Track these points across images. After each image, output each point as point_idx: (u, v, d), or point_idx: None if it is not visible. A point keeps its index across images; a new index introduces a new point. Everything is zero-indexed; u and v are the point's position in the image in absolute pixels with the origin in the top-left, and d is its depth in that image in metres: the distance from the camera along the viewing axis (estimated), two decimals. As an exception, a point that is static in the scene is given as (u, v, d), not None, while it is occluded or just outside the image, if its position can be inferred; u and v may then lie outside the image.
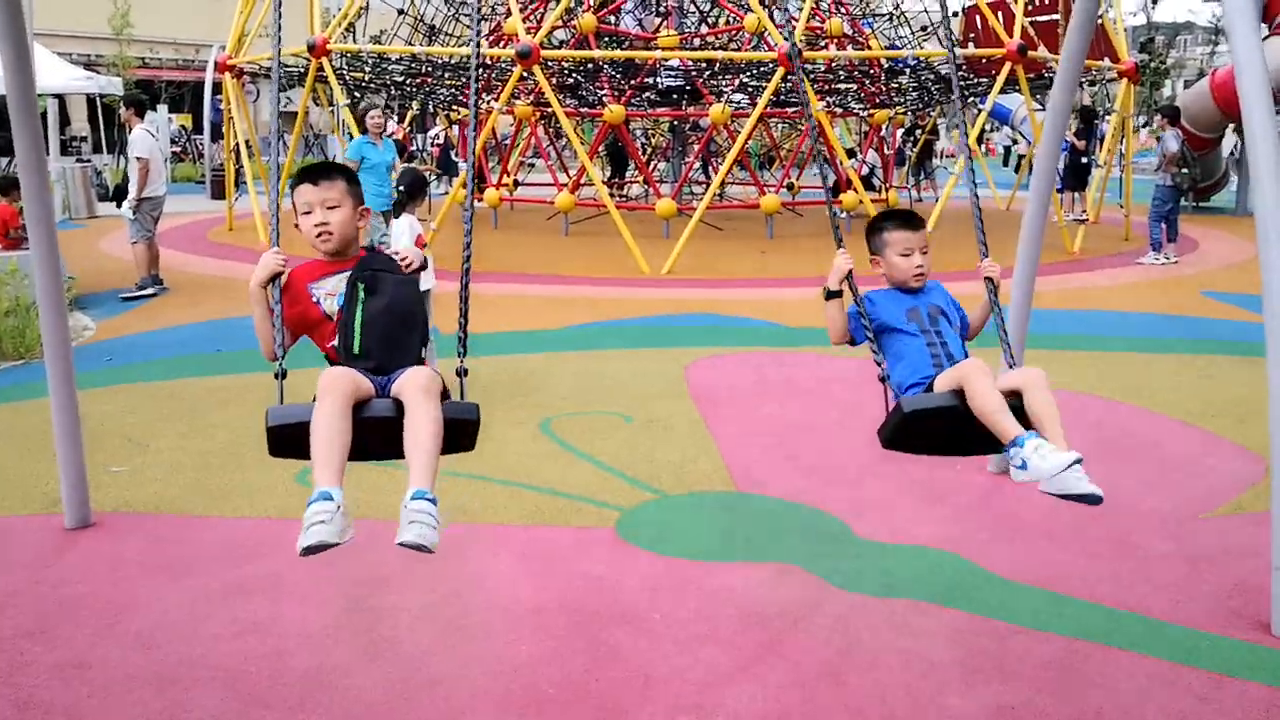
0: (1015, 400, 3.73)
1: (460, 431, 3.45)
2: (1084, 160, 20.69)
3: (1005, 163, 44.91)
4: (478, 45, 4.24)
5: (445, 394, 3.49)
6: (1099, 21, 19.29)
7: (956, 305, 4.17)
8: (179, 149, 38.00)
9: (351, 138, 20.60)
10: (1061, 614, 4.52)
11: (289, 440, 3.39)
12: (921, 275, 4.09)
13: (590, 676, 4.00)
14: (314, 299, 3.63)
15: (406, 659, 4.14)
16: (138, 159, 12.51)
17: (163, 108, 36.60)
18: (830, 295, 4.15)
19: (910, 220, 4.15)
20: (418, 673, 4.03)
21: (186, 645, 4.24)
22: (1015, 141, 44.78)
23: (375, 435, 3.35)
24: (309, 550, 3.13)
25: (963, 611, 4.55)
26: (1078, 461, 3.61)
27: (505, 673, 4.03)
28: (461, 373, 3.69)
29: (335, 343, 3.58)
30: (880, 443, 3.95)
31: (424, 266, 3.83)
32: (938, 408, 3.72)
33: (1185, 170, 16.30)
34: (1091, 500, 3.60)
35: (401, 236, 7.83)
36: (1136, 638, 4.31)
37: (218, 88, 21.12)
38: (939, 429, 3.75)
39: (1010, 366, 4.08)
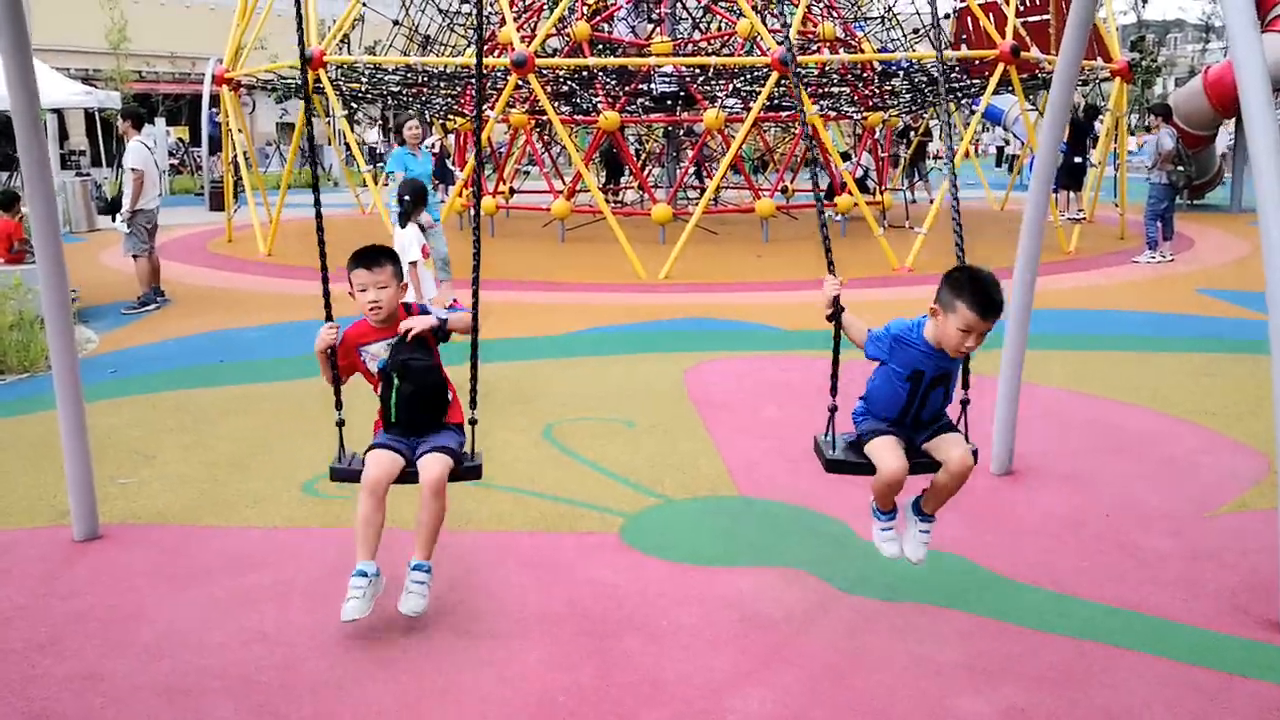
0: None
1: (461, 478, 4.52)
2: (1078, 160, 20.72)
3: (998, 163, 45.00)
4: (480, 57, 4.43)
5: (457, 455, 4.49)
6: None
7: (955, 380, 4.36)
8: (176, 161, 38.04)
9: (348, 148, 20.71)
10: (1067, 614, 4.54)
11: (344, 479, 4.58)
12: (963, 353, 4.16)
13: (599, 682, 4.02)
14: (363, 359, 4.60)
15: (416, 666, 4.17)
16: (132, 170, 12.48)
17: (160, 120, 36.66)
18: (831, 319, 4.41)
19: (990, 307, 4.02)
20: (427, 680, 4.06)
21: (196, 655, 4.26)
22: (1008, 142, 44.91)
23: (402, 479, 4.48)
24: (348, 620, 4.29)
25: (968, 613, 4.57)
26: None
27: (514, 679, 4.06)
28: (473, 422, 4.60)
29: (380, 395, 4.57)
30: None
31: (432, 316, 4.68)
32: (856, 464, 4.49)
33: (1180, 168, 16.33)
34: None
35: (410, 248, 7.88)
36: (1144, 637, 4.33)
37: (215, 100, 21.13)
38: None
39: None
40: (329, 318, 4.55)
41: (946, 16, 24.08)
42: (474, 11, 5.56)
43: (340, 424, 4.61)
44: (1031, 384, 8.09)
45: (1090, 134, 20.73)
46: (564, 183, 22.75)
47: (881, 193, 21.24)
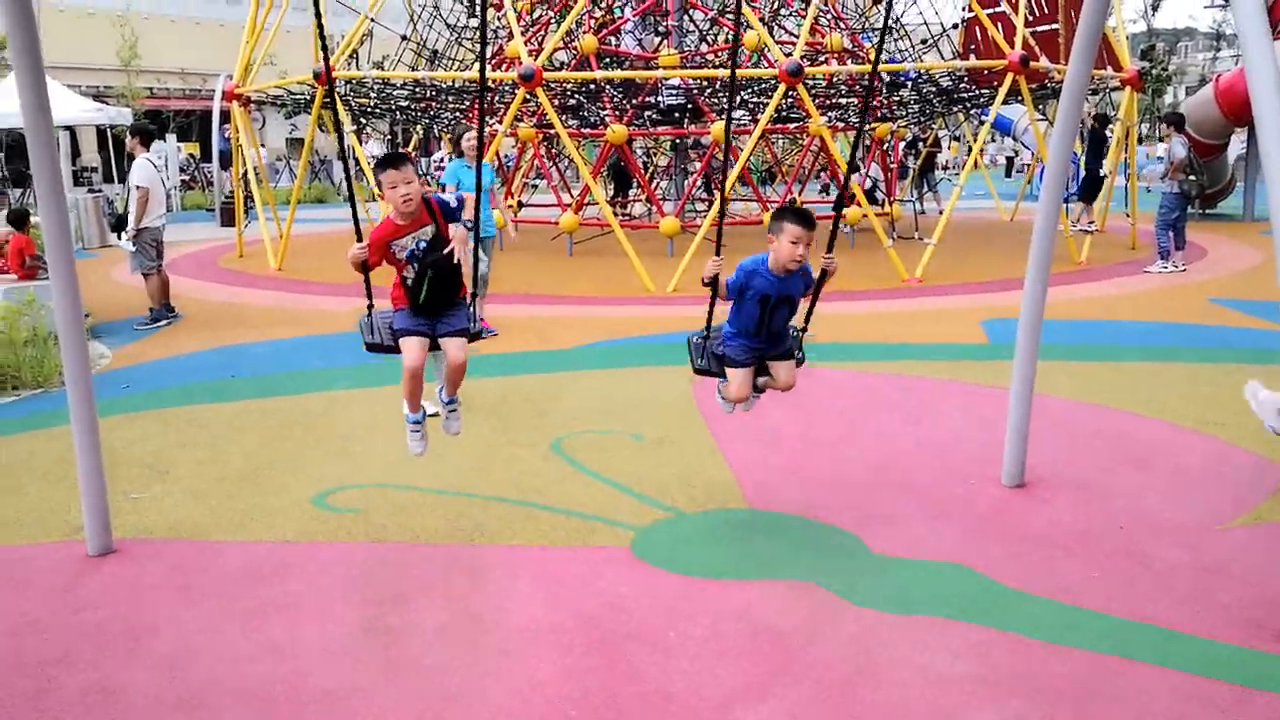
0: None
1: (472, 339, 5.71)
2: (1102, 175, 20.66)
3: (1008, 174, 45.02)
4: (483, 70, 4.84)
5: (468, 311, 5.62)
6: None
7: (807, 285, 5.52)
8: (187, 177, 38.22)
9: (358, 162, 20.78)
10: (1079, 627, 4.53)
11: (377, 351, 5.65)
12: (798, 263, 5.27)
13: (609, 695, 4.03)
14: (393, 251, 5.36)
15: (426, 678, 4.18)
16: (137, 187, 12.42)
17: (171, 137, 36.87)
18: (707, 284, 5.40)
19: (804, 218, 5.26)
20: (437, 692, 4.07)
21: (209, 668, 4.28)
22: (1017, 153, 44.92)
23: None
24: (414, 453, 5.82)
25: (979, 626, 4.56)
26: None
27: (524, 691, 4.07)
28: (474, 295, 5.77)
29: (407, 279, 5.42)
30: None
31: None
32: (715, 372, 5.82)
33: (1192, 177, 16.29)
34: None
35: None
36: (1157, 651, 4.32)
37: (225, 116, 21.24)
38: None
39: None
40: (359, 237, 5.38)
41: (955, 26, 24.13)
42: (479, 26, 6.04)
43: (370, 307, 5.56)
44: (1042, 395, 8.07)
45: (1105, 144, 20.69)
46: (572, 196, 22.80)
47: (890, 204, 21.24)
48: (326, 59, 5.28)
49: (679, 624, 4.61)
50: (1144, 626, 4.53)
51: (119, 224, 14.45)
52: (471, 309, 5.67)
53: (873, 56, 5.69)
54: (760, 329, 5.53)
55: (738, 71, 5.90)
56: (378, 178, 5.36)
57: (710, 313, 5.72)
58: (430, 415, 5.83)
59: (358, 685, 4.13)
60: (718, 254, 5.43)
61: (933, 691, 4.03)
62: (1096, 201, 21.06)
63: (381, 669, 4.26)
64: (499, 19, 21.21)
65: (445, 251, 5.34)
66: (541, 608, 4.81)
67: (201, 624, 4.69)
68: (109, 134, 32.21)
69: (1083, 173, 20.96)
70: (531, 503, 6.18)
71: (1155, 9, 60.31)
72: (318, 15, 5.05)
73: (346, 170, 6.05)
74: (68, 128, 26.76)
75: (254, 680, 4.18)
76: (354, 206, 5.64)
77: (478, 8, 24.21)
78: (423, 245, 5.34)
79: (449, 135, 24.97)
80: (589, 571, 5.21)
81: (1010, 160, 46.72)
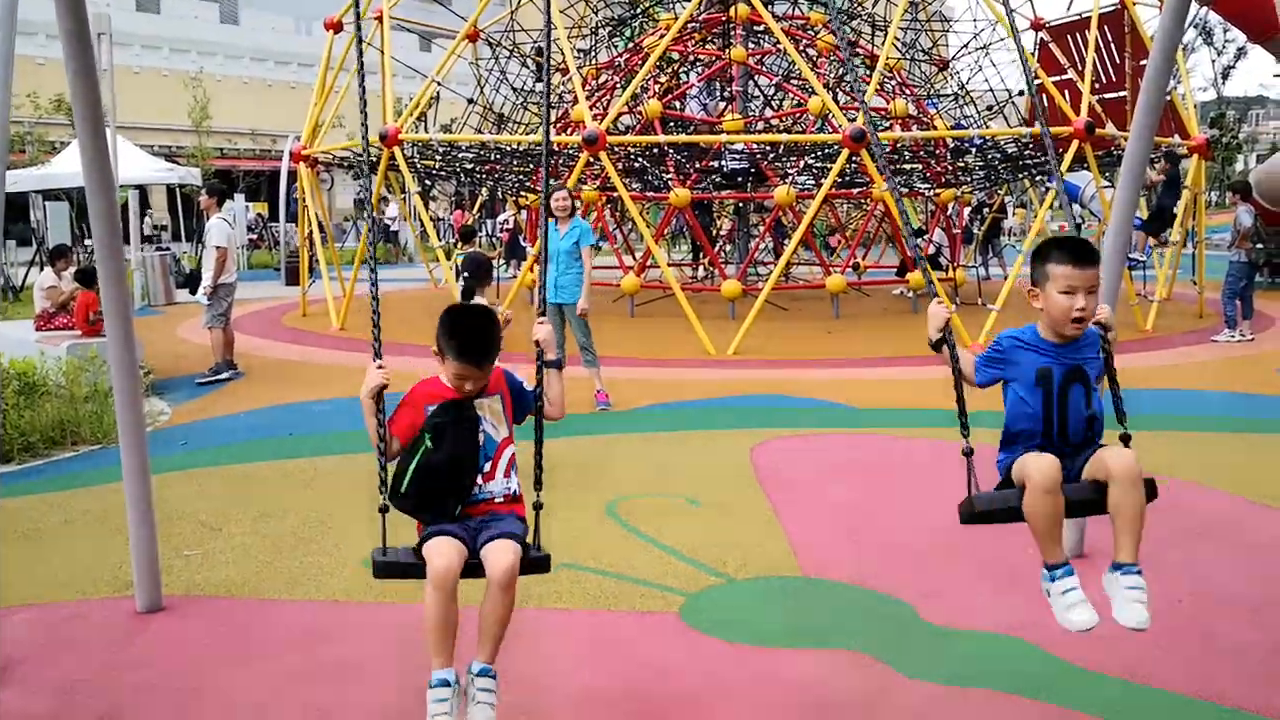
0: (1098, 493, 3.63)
1: (527, 570, 3.83)
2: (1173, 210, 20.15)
3: (1075, 241, 44.53)
4: (547, 134, 4.33)
5: (524, 543, 3.83)
6: (1168, 98, 19.21)
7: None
8: (255, 236, 38.90)
9: (421, 224, 21.07)
10: (1140, 705, 4.39)
11: (392, 575, 3.88)
12: (1081, 322, 3.71)
13: (655, 766, 3.95)
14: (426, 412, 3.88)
15: (471, 746, 4.11)
16: (216, 248, 12.82)
17: (240, 196, 37.56)
18: (935, 346, 4.04)
19: (1081, 252, 3.70)
20: (482, 760, 4.00)
21: (253, 731, 4.25)
22: (1084, 220, 44.52)
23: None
24: None
25: (1036, 700, 4.43)
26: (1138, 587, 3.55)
27: (569, 761, 3.99)
28: (538, 507, 3.93)
29: (421, 447, 3.86)
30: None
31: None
32: (1004, 509, 3.74)
33: (1260, 245, 16.03)
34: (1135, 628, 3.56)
35: None
36: (1221, 730, 4.17)
37: (294, 177, 21.62)
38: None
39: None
40: (377, 355, 3.89)
41: (1020, 94, 24.05)
42: (544, 90, 5.41)
43: (384, 509, 3.79)
44: (1105, 465, 7.92)
45: (1179, 183, 20.27)
46: (634, 258, 22.88)
47: (954, 269, 21.10)
48: (366, 124, 4.25)
49: (727, 693, 4.52)
50: (1207, 704, 4.37)
51: (188, 281, 14.72)
52: (529, 526, 3.94)
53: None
54: (1050, 427, 3.81)
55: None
56: (450, 358, 3.82)
57: (959, 388, 4.08)
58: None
59: (400, 750, 4.08)
60: (934, 296, 4.19)
61: (988, 771, 3.90)
62: (1163, 269, 20.76)
63: (425, 734, 4.20)
64: (565, 83, 21.46)
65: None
66: (588, 674, 4.74)
67: (249, 685, 4.67)
68: (178, 192, 32.88)
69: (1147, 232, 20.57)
70: (582, 566, 6.11)
71: (1225, 78, 59.86)
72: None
73: (371, 231, 4.60)
74: (139, 187, 27.32)
75: (296, 743, 4.14)
76: (375, 301, 4.03)
77: (543, 73, 24.59)
78: (438, 423, 3.86)
79: (513, 198, 25.24)
80: (637, 637, 5.14)
81: (1079, 226, 46.28)
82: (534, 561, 3.86)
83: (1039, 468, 3.57)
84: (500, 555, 3.70)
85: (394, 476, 3.83)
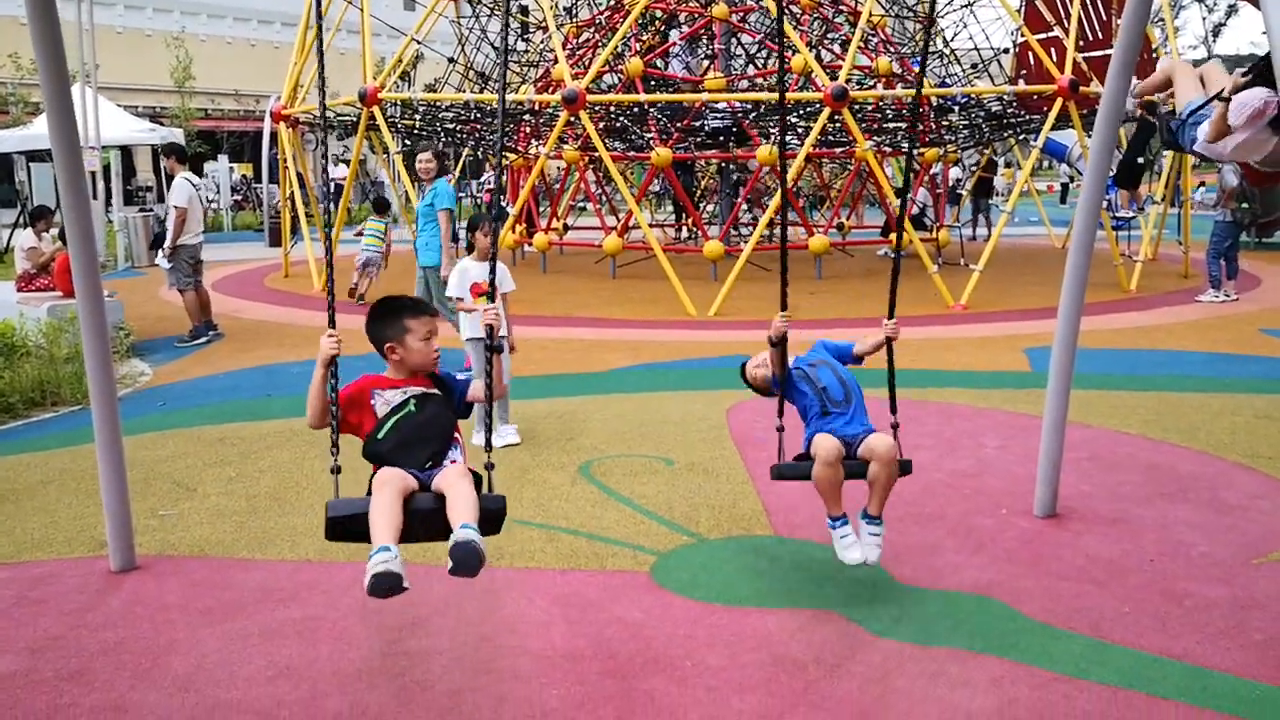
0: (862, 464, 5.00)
1: (486, 520, 4.02)
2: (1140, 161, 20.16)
3: (1063, 200, 44.50)
4: (503, 93, 4.41)
5: (478, 481, 4.14)
6: (1154, 55, 19.13)
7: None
8: (240, 197, 38.70)
9: (400, 183, 20.99)
10: (1106, 662, 4.41)
11: (346, 528, 4.08)
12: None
13: (621, 723, 3.97)
14: (374, 402, 4.32)
15: (439, 703, 4.13)
16: (175, 207, 12.61)
17: (224, 157, 37.35)
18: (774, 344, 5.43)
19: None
20: (450, 716, 4.03)
21: (223, 689, 4.26)
22: (1073, 179, 44.39)
23: (421, 524, 4.02)
24: (378, 586, 3.68)
25: (1003, 659, 4.46)
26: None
27: (536, 718, 4.01)
28: (489, 467, 4.32)
29: (380, 432, 4.27)
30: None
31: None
32: (800, 476, 5.10)
33: (1245, 205, 16.01)
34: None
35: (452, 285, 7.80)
36: (1184, 687, 4.20)
37: (275, 137, 21.47)
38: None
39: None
40: (332, 323, 4.27)
41: (1005, 51, 23.95)
42: (500, 44, 5.74)
43: (336, 470, 4.27)
44: (1082, 424, 7.96)
45: (1153, 130, 20.25)
46: (617, 219, 22.81)
47: (938, 229, 21.08)
48: (323, 86, 4.63)
49: (696, 652, 4.54)
50: (1173, 663, 4.40)
51: (156, 241, 14.59)
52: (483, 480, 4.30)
53: (921, 81, 5.32)
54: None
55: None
56: (405, 322, 4.37)
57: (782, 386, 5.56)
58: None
59: (370, 708, 4.09)
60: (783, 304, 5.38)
61: (951, 727, 3.93)
62: (1146, 228, 20.78)
63: (394, 693, 4.22)
64: (545, 42, 21.31)
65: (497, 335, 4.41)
66: (557, 633, 4.75)
67: (218, 643, 4.68)
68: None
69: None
70: (554, 526, 6.13)
71: (1216, 35, 59.59)
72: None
73: (330, 199, 5.22)
74: (122, 147, 27.14)
75: (266, 702, 4.15)
76: (331, 256, 4.61)
77: (525, 31, 24.40)
78: (415, 396, 4.33)
79: (493, 158, 25.11)
80: (606, 596, 5.15)
81: (1065, 186, 46.13)
82: (489, 506, 4.09)
83: (824, 447, 4.90)
84: (450, 470, 4.11)
85: (369, 432, 4.23)
